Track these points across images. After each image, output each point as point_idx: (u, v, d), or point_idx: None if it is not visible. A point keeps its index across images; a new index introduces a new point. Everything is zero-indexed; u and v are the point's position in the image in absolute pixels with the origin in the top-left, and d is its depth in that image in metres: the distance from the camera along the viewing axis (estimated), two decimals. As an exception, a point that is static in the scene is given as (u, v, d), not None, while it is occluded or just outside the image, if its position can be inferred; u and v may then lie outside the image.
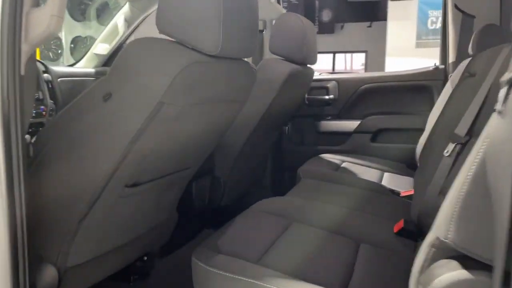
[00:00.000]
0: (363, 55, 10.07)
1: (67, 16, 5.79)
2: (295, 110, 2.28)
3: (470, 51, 1.75)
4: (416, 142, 2.16)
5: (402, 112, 2.25)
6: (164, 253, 1.63)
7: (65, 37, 5.79)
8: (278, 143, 2.42)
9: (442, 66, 2.18)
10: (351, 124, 2.33)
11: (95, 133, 0.94)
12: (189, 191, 1.76)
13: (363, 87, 2.30)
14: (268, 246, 1.07)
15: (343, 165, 2.05)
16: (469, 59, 1.72)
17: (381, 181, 1.90)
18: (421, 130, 2.10)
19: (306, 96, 2.37)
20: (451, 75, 2.04)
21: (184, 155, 1.18)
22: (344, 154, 2.21)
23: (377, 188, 1.66)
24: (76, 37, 5.88)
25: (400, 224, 1.21)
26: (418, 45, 8.30)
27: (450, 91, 1.90)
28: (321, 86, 2.37)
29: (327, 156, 2.15)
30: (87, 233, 1.02)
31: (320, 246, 1.12)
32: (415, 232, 1.18)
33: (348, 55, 10.17)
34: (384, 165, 2.08)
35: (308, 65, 1.99)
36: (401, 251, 1.15)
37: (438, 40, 7.13)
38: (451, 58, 2.10)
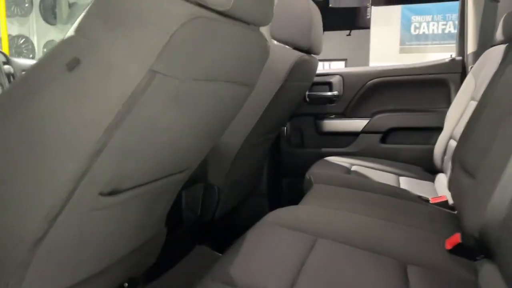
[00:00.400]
0: (342, 63, 10.01)
1: (40, 19, 5.44)
2: (296, 108, 2.03)
3: (500, 36, 1.54)
4: (431, 142, 1.94)
5: (416, 109, 2.03)
6: (149, 277, 1.33)
7: (38, 41, 5.42)
8: (275, 145, 2.16)
9: (460, 58, 1.96)
10: (357, 124, 2.09)
11: (55, 119, 0.65)
12: (178, 201, 1.47)
13: (371, 82, 2.06)
14: (295, 274, 0.80)
15: (353, 168, 1.80)
16: (501, 45, 1.51)
17: (399, 186, 1.65)
18: (438, 128, 1.88)
19: (307, 92, 2.12)
20: (471, 67, 1.83)
21: (179, 153, 0.91)
22: (351, 157, 1.97)
23: (404, 195, 1.41)
24: (49, 41, 5.52)
25: (455, 239, 0.96)
26: (401, 51, 8.26)
27: (473, 83, 1.69)
28: (324, 81, 2.13)
29: (334, 159, 1.90)
30: (46, 261, 0.73)
31: (360, 270, 0.85)
32: (475, 249, 0.93)
33: (327, 63, 10.08)
34: (398, 169, 1.84)
35: (313, 55, 1.75)
36: (461, 274, 0.89)
37: (421, 46, 7.08)
38: (471, 48, 1.88)
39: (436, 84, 1.99)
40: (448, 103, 1.95)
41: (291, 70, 1.52)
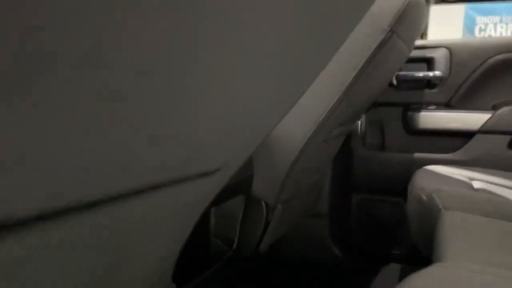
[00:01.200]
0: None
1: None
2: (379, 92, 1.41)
3: None
4: None
5: None
6: None
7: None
8: (343, 147, 1.54)
9: None
10: (472, 119, 1.45)
11: None
12: (203, 227, 0.89)
13: (493, 58, 1.42)
14: None
15: (477, 185, 1.16)
16: None
17: None
18: None
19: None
20: None
21: (209, 118, 0.31)
22: (461, 167, 1.33)
23: None
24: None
25: None
26: (463, 55, 7.47)
27: None
28: (421, 57, 1.50)
29: (440, 170, 1.27)
30: None
31: None
32: None
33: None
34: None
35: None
36: None
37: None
38: None
39: None
40: None
41: (399, 17, 0.93)
